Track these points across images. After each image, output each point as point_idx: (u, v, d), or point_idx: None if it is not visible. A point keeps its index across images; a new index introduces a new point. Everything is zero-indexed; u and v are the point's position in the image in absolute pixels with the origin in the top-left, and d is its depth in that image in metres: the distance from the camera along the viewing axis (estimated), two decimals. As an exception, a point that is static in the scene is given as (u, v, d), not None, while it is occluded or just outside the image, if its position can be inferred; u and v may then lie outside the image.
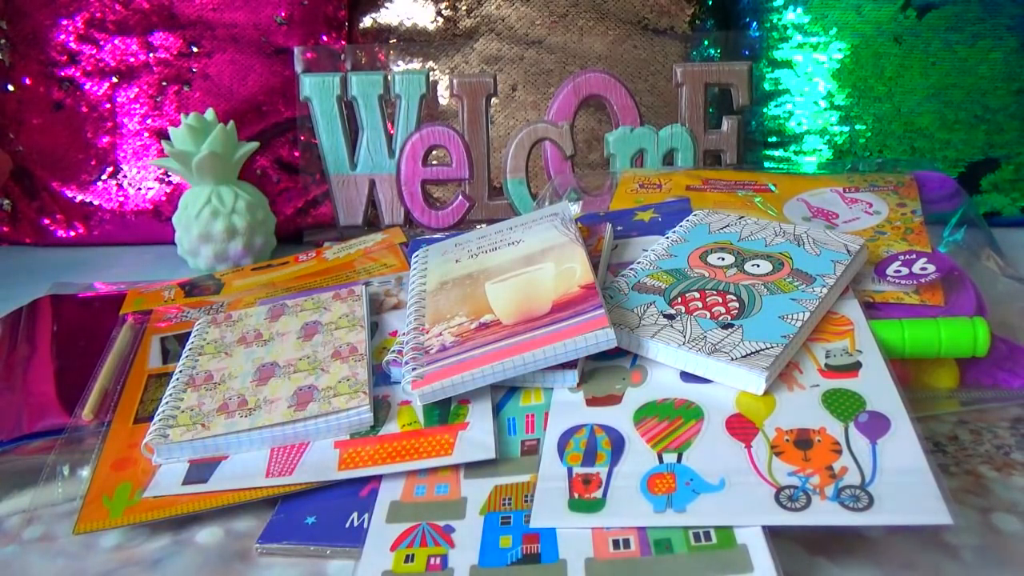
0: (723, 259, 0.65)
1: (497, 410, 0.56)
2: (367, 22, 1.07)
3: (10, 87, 1.04)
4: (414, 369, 0.56)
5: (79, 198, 1.05)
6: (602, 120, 1.04)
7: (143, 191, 1.05)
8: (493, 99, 0.99)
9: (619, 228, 0.75)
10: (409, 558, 0.45)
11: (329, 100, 0.97)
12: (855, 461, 0.46)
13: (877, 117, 1.00)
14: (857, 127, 1.01)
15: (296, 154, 1.04)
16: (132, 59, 1.02)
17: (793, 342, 0.54)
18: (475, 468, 0.51)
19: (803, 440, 0.48)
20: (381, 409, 0.57)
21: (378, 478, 0.52)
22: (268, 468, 0.53)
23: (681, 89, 0.98)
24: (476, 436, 0.53)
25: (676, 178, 0.87)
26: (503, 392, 0.57)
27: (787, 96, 1.04)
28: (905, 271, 0.63)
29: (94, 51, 1.02)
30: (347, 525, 0.49)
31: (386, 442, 0.54)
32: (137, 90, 1.03)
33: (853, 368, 0.53)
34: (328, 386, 0.57)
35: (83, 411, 0.61)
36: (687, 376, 0.55)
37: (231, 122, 0.92)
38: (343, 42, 1.06)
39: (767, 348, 0.53)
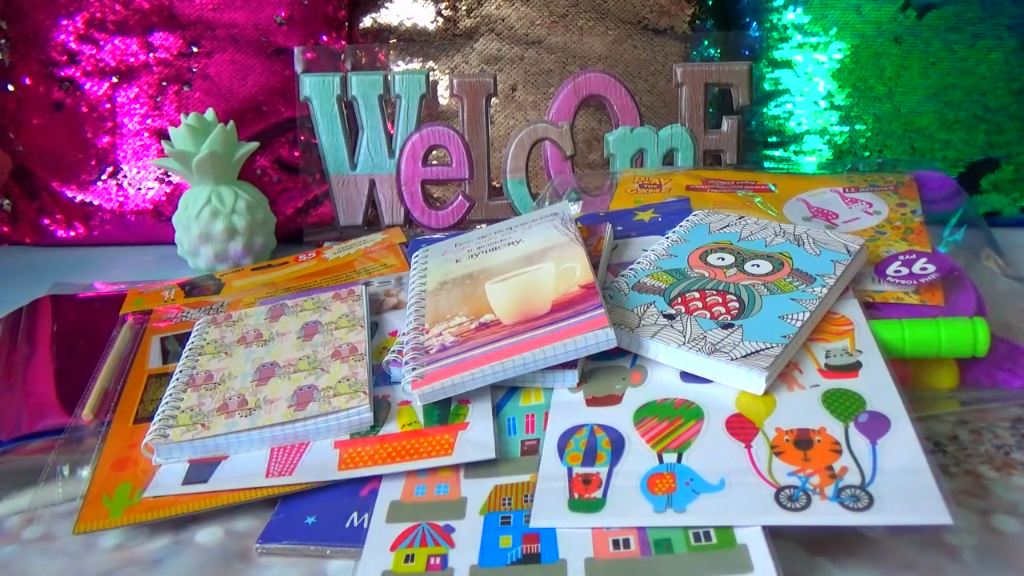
0: (723, 259, 0.65)
1: (497, 410, 0.56)
2: (367, 22, 1.07)
3: (10, 87, 1.04)
4: (414, 369, 0.56)
5: (79, 198, 1.05)
6: (602, 120, 1.04)
7: (143, 191, 1.05)
8: (493, 99, 0.99)
9: (619, 228, 0.75)
10: (409, 558, 0.45)
11: (329, 100, 0.97)
12: (855, 461, 0.46)
13: (877, 117, 1.00)
14: (857, 127, 1.01)
15: (296, 154, 1.04)
16: (132, 59, 1.02)
17: (793, 342, 0.54)
18: (475, 468, 0.51)
19: (803, 440, 0.48)
20: (381, 409, 0.57)
21: (378, 478, 0.52)
22: (268, 468, 0.53)
23: (681, 89, 0.98)
24: (476, 436, 0.53)
25: (676, 178, 0.87)
26: (503, 392, 0.57)
27: (787, 96, 1.04)
28: (905, 271, 0.63)
29: (94, 51, 1.02)
30: (347, 525, 0.49)
31: (386, 442, 0.54)
32: (137, 90, 1.03)
33: (853, 368, 0.53)
34: (328, 386, 0.57)
35: (83, 411, 0.61)
36: (687, 376, 0.55)
37: (231, 122, 0.92)
38: (343, 42, 1.06)
39: (767, 348, 0.53)
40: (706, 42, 1.07)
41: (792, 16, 1.02)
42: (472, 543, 0.46)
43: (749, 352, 0.53)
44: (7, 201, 1.08)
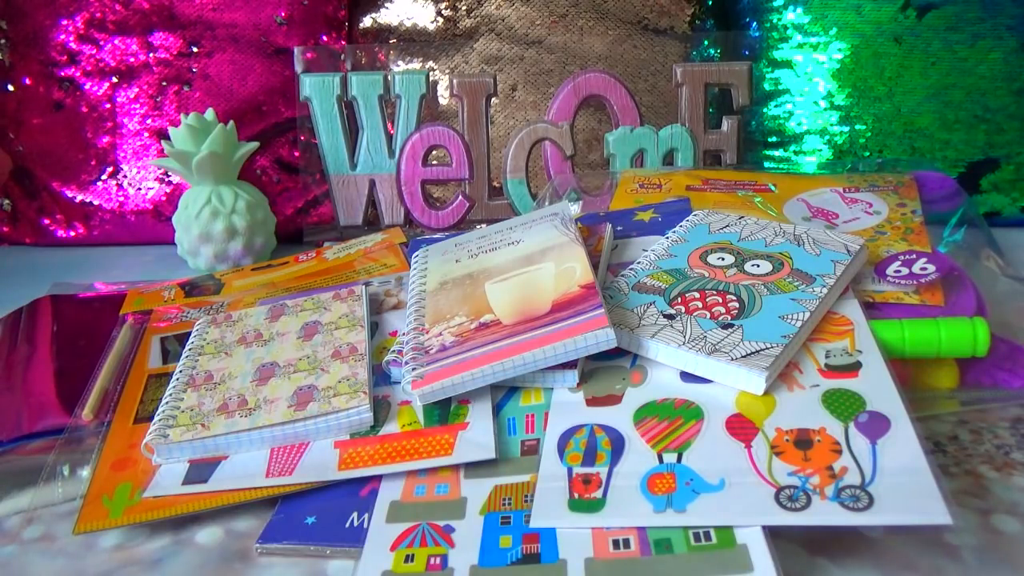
0: (723, 259, 0.65)
1: (497, 410, 0.56)
2: (367, 22, 1.07)
3: (10, 87, 1.04)
4: (414, 369, 0.56)
5: (79, 198, 1.05)
6: (602, 120, 1.04)
7: (143, 191, 1.05)
8: (493, 99, 0.99)
9: (619, 228, 0.75)
10: (409, 558, 0.45)
11: (329, 100, 0.97)
12: (855, 461, 0.46)
13: (877, 117, 1.00)
14: (857, 127, 1.01)
15: (296, 154, 1.04)
16: (132, 59, 1.02)
17: (793, 342, 0.54)
18: (475, 468, 0.51)
19: (803, 440, 0.48)
20: (381, 409, 0.57)
21: (378, 478, 0.52)
22: (268, 468, 0.53)
23: (681, 89, 0.98)
24: (476, 436, 0.53)
25: (676, 178, 0.87)
26: (503, 392, 0.57)
27: (787, 96, 1.04)
28: (905, 271, 0.63)
29: (94, 51, 1.02)
30: (347, 525, 0.49)
31: (386, 442, 0.54)
32: (137, 90, 1.03)
33: (853, 368, 0.53)
34: (328, 386, 0.57)
35: (83, 411, 0.61)
36: (687, 376, 0.55)
37: (231, 122, 0.92)
38: (343, 42, 1.06)
39: (767, 348, 0.53)
40: (706, 42, 1.07)
41: (792, 16, 1.02)
42: (472, 543, 0.46)
43: (749, 352, 0.53)
44: (7, 201, 1.08)
